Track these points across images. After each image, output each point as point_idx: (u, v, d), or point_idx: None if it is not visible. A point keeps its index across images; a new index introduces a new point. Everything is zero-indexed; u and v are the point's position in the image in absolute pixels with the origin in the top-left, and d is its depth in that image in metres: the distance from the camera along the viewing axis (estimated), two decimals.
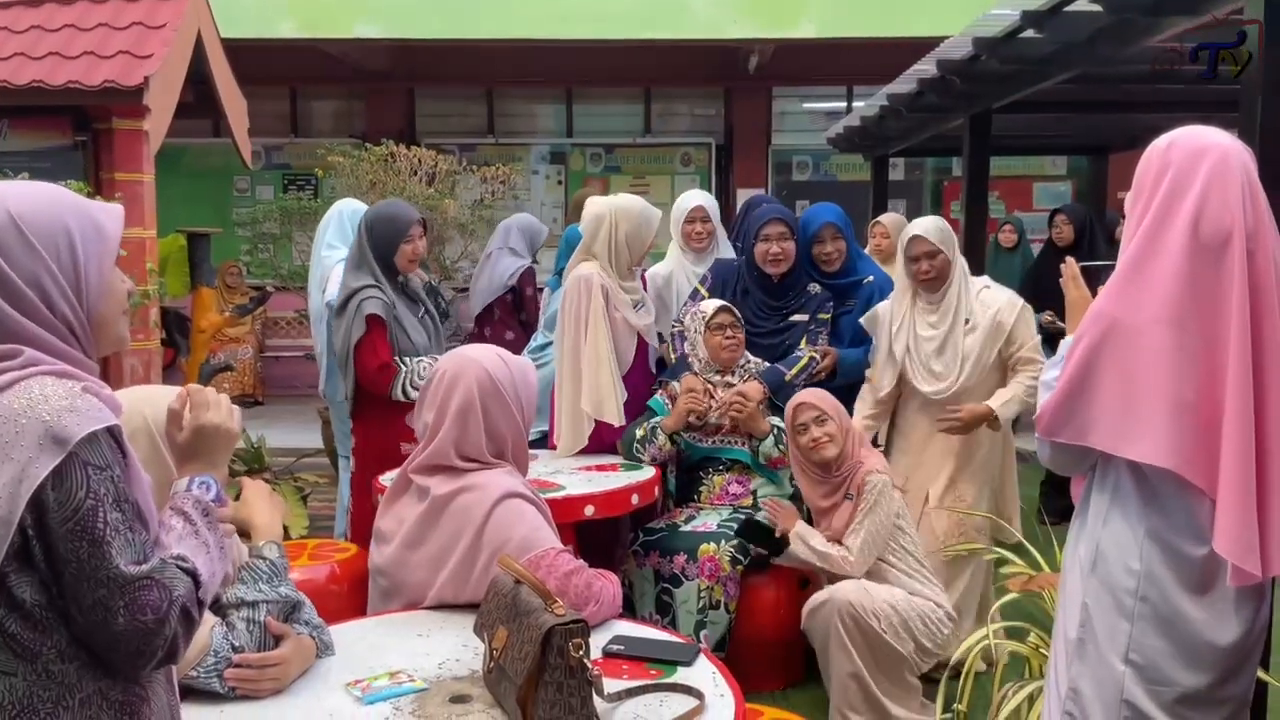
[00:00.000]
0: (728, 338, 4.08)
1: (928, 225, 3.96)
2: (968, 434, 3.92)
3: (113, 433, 1.44)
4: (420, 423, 2.61)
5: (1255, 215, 1.93)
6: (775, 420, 4.03)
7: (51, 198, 1.50)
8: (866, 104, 7.16)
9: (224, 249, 10.15)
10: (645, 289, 4.50)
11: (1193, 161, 1.94)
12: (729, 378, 4.14)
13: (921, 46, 5.84)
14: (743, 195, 11.21)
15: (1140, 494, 1.99)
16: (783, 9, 9.31)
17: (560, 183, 11.67)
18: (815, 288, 4.41)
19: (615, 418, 4.10)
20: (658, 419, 4.08)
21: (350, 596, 3.46)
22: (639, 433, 4.06)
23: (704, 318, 4.14)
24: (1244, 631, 2.01)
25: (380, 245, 4.13)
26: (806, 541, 3.59)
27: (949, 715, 3.22)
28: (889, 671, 3.49)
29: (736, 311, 4.16)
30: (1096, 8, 3.69)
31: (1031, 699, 3.00)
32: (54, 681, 1.42)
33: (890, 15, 9.19)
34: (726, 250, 4.90)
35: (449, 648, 2.26)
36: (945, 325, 3.97)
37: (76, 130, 6.09)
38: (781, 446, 3.98)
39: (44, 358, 1.44)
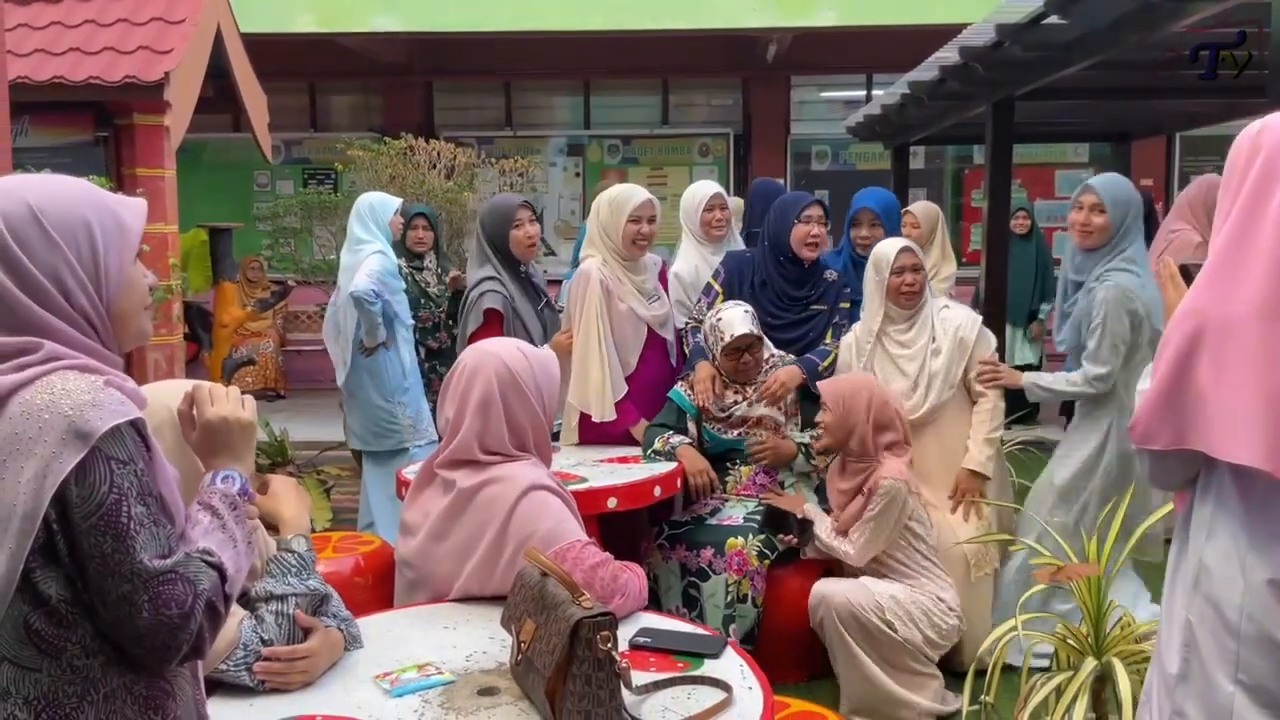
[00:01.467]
0: (743, 362, 4.02)
1: (909, 242, 4.07)
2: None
3: (136, 426, 1.44)
4: (442, 418, 2.62)
5: None
6: (801, 437, 4.02)
7: (73, 191, 1.50)
8: (887, 92, 7.12)
9: (245, 244, 10.21)
10: (666, 283, 4.48)
11: None
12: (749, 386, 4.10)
13: (941, 34, 5.80)
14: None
15: (1245, 503, 1.86)
16: None
17: (578, 175, 11.66)
18: (831, 274, 4.37)
19: (598, 413, 4.08)
20: (678, 441, 4.03)
21: (375, 589, 3.48)
22: (657, 444, 4.02)
23: (722, 341, 4.00)
24: None
25: (494, 237, 4.29)
26: (818, 534, 3.68)
27: (976, 707, 3.21)
28: (897, 661, 3.55)
29: (757, 331, 4.01)
30: None
31: (1059, 690, 3.00)
32: (79, 676, 1.42)
33: (909, 3, 9.14)
34: (738, 240, 4.89)
35: (475, 640, 2.27)
36: (919, 344, 4.00)
37: (97, 126, 6.14)
38: (813, 460, 3.99)
39: (66, 351, 1.44)
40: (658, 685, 2.03)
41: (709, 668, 2.15)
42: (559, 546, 2.38)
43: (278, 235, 9.02)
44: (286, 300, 9.08)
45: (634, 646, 2.22)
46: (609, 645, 1.86)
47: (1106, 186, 3.89)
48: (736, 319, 4.00)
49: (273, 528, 2.14)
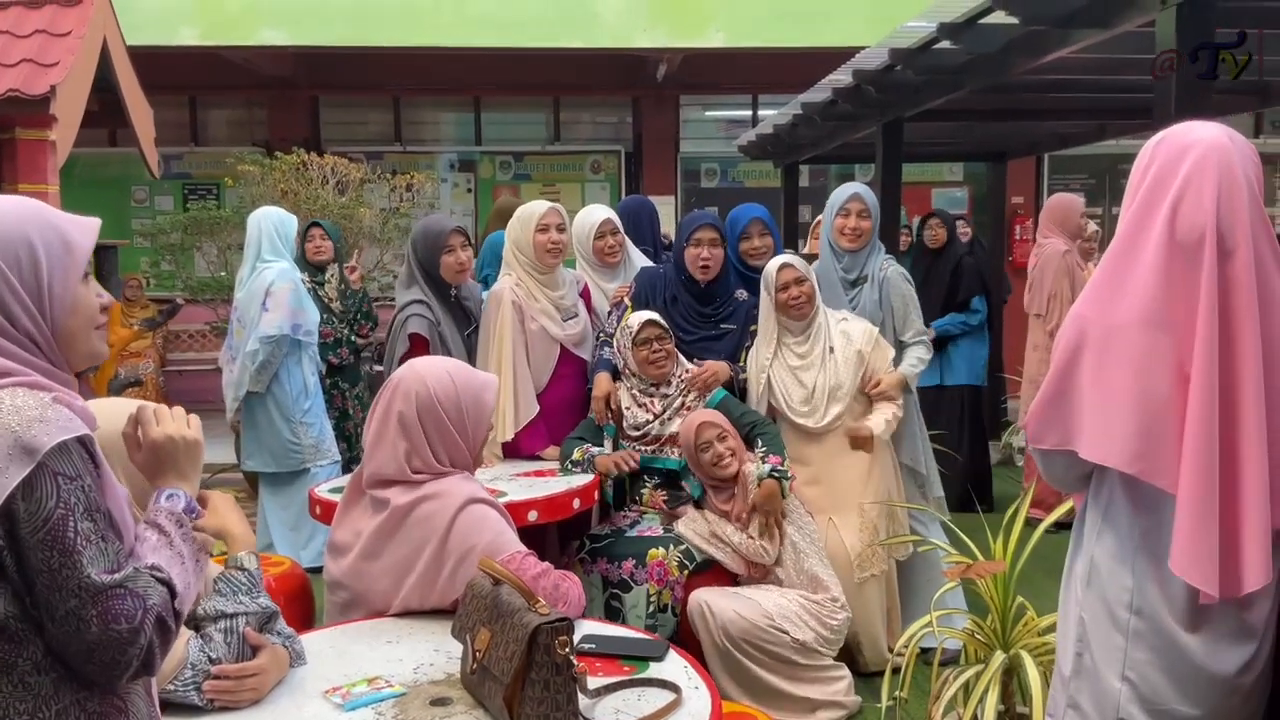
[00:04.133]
0: (654, 351, 4.08)
1: (790, 257, 4.21)
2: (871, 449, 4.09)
3: (84, 443, 1.45)
4: (370, 435, 2.62)
5: (1233, 213, 1.82)
6: (763, 469, 3.93)
7: (17, 211, 1.49)
8: (779, 112, 7.32)
9: (123, 262, 9.90)
10: (589, 300, 4.52)
11: (1175, 157, 1.87)
12: (664, 389, 4.16)
13: (827, 56, 6.02)
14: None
15: (1133, 506, 1.91)
16: (692, 18, 9.46)
17: (470, 190, 11.64)
18: (742, 293, 4.43)
19: (500, 432, 4.10)
20: (596, 451, 4.07)
21: (289, 609, 3.41)
22: (575, 454, 4.05)
23: (630, 333, 4.12)
24: (1243, 664, 1.87)
25: (424, 260, 4.24)
26: (725, 535, 3.79)
27: (891, 703, 3.34)
28: (798, 663, 3.69)
29: (663, 322, 4.14)
30: (1011, 20, 3.86)
31: (968, 686, 3.14)
32: (30, 693, 1.42)
33: (798, 25, 9.39)
34: (638, 259, 4.86)
35: (421, 653, 2.29)
36: (815, 353, 4.15)
37: None
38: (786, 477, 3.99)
39: (15, 368, 1.45)
40: (609, 688, 2.09)
41: (654, 670, 2.21)
42: (501, 559, 2.41)
43: (160, 252, 8.78)
44: (175, 318, 8.85)
45: (579, 653, 2.26)
46: (566, 650, 1.91)
47: (868, 195, 4.39)
48: (641, 314, 4.15)
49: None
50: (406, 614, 2.49)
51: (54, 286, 1.48)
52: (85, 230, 1.55)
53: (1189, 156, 1.85)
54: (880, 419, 4.12)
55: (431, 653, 2.29)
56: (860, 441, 4.06)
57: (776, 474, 3.80)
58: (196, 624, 2.03)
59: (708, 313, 4.41)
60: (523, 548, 2.50)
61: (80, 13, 6.04)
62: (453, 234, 4.25)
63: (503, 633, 1.97)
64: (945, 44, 4.42)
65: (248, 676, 2.02)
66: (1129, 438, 1.83)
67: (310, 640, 2.31)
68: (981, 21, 4.09)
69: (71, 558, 1.39)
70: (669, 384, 4.15)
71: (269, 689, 2.06)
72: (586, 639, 2.34)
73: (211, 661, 1.99)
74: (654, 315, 4.14)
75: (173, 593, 1.49)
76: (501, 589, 2.05)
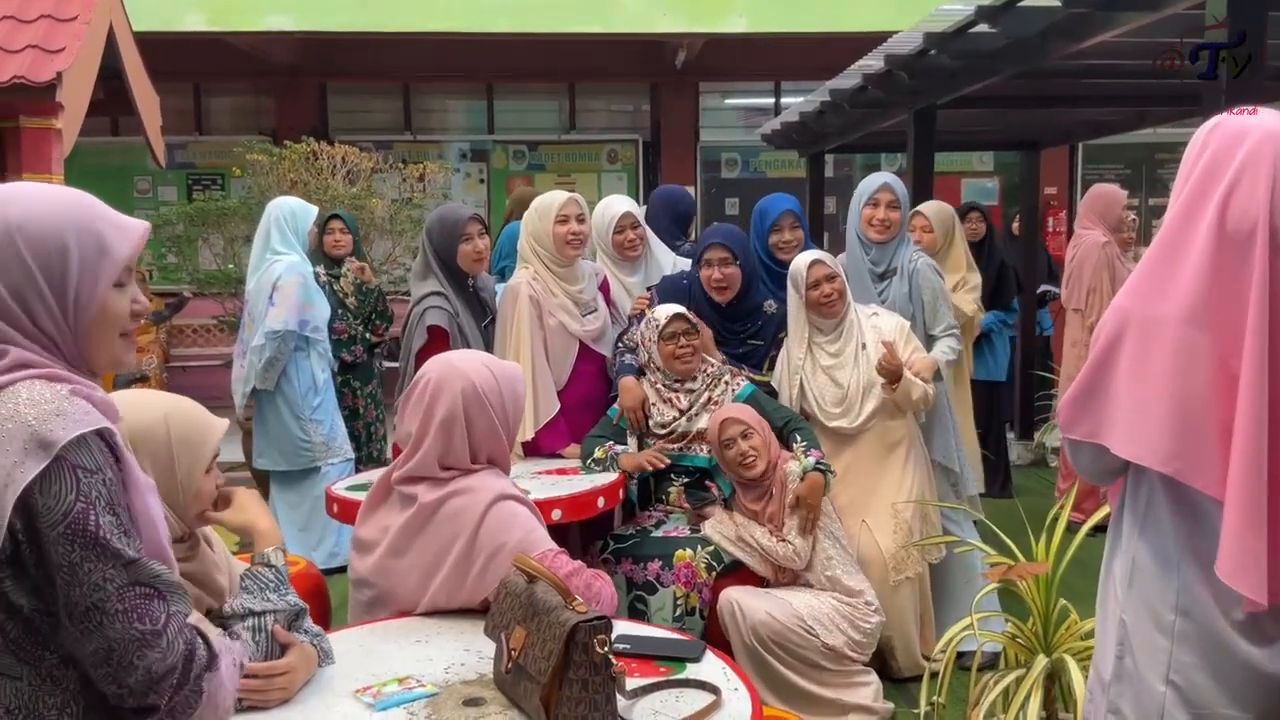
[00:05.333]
0: (681, 346, 4.06)
1: (820, 253, 4.20)
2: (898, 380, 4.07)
3: (103, 435, 1.46)
4: (403, 431, 2.64)
5: None
6: (807, 461, 3.93)
7: (60, 208, 1.50)
8: (806, 99, 7.32)
9: None
10: (609, 294, 4.51)
11: (1229, 145, 1.84)
12: (689, 383, 4.17)
13: (853, 42, 6.02)
14: None
15: (1174, 503, 1.90)
16: (713, 3, 9.46)
17: (482, 181, 11.66)
18: (771, 305, 4.38)
19: (521, 431, 4.06)
20: (620, 449, 4.08)
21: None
22: (598, 453, 4.05)
23: (657, 326, 4.09)
24: None
25: (441, 249, 4.25)
26: (754, 537, 3.78)
27: (929, 709, 3.35)
28: (827, 667, 3.70)
29: (691, 316, 4.11)
30: (1053, 2, 3.85)
31: (1007, 692, 3.15)
32: (58, 687, 1.45)
33: (822, 10, 9.39)
34: (661, 253, 4.84)
35: (451, 652, 2.31)
36: (848, 351, 4.15)
37: None
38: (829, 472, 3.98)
39: (34, 359, 1.46)
40: (647, 689, 2.11)
41: (692, 671, 2.23)
42: (533, 556, 2.42)
43: (163, 245, 8.82)
44: (180, 313, 8.89)
45: (615, 653, 2.28)
46: (605, 649, 1.92)
47: (898, 185, 4.38)
48: (670, 306, 4.13)
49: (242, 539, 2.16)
50: (434, 613, 2.51)
51: (81, 290, 1.49)
52: (127, 235, 1.54)
53: (1244, 144, 1.82)
54: (929, 357, 4.18)
55: (462, 652, 2.30)
56: (889, 368, 4.00)
57: (821, 467, 3.81)
58: (224, 622, 2.05)
59: (735, 329, 4.38)
60: (554, 545, 2.52)
61: None
62: (470, 221, 4.27)
63: (539, 631, 1.98)
64: (982, 28, 4.41)
65: (277, 675, 2.04)
66: (1166, 436, 1.82)
67: (337, 639, 2.33)
68: (1021, 4, 4.08)
69: (93, 551, 1.41)
70: (694, 379, 4.15)
71: (298, 688, 2.08)
72: (621, 639, 2.35)
73: None
74: (681, 309, 4.13)
75: (210, 658, 1.52)
76: (537, 586, 2.07)
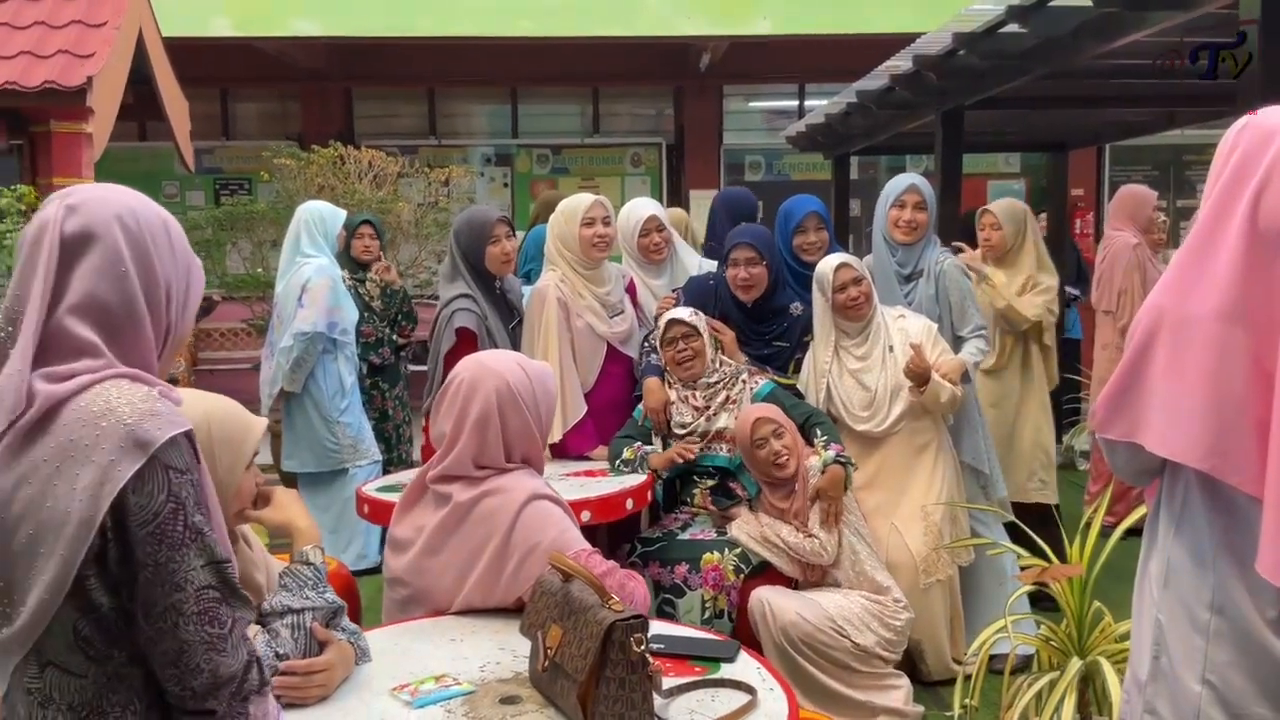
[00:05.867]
0: (680, 351, 4.08)
1: (846, 256, 4.18)
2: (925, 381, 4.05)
3: (189, 437, 1.50)
4: (437, 431, 2.65)
5: None
6: (828, 455, 3.93)
7: (179, 226, 1.64)
8: (832, 101, 7.31)
9: None
10: (635, 295, 4.53)
11: (1260, 144, 1.83)
12: (708, 381, 4.14)
13: (877, 44, 6.01)
14: (696, 196, 11.39)
15: (1210, 502, 1.90)
16: (738, 5, 9.47)
17: (506, 185, 11.70)
18: (797, 307, 4.38)
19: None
20: (649, 449, 4.09)
21: None
22: (626, 454, 4.06)
23: (659, 333, 4.14)
24: None
25: (469, 252, 4.27)
26: (780, 536, 3.78)
27: (961, 712, 3.34)
28: (857, 669, 3.70)
29: (690, 319, 4.10)
30: (1084, 2, 3.84)
31: (1041, 695, 3.14)
32: (123, 684, 1.48)
33: (846, 11, 9.39)
34: (686, 255, 4.88)
35: (486, 651, 2.32)
36: (875, 354, 4.15)
37: (11, 134, 6.01)
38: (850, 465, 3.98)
39: (114, 361, 1.49)
40: (682, 689, 2.11)
41: (726, 671, 2.23)
42: (567, 555, 2.43)
43: (193, 248, 8.89)
44: (210, 316, 8.96)
45: (649, 652, 2.29)
46: (642, 647, 1.93)
47: (925, 187, 4.37)
48: (673, 311, 4.15)
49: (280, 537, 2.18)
50: (468, 612, 2.53)
51: (192, 299, 1.61)
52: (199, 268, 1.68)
53: (1274, 143, 1.82)
54: (957, 359, 4.16)
55: (497, 651, 2.32)
56: (917, 370, 3.99)
57: (841, 460, 3.81)
58: (263, 619, 2.07)
59: (760, 330, 4.39)
60: (587, 545, 2.53)
61: (116, 3, 6.14)
62: (498, 224, 4.29)
63: (575, 630, 1.99)
64: (1012, 27, 4.40)
65: (315, 672, 2.05)
66: (1202, 433, 1.82)
67: (372, 638, 2.35)
68: (1052, 4, 4.07)
69: (179, 551, 1.44)
70: (713, 376, 4.15)
71: (336, 685, 2.10)
72: (655, 639, 2.35)
73: (279, 657, 2.03)
74: (682, 313, 4.13)
75: (262, 682, 1.56)
76: (573, 585, 2.08)
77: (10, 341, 1.46)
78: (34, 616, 1.42)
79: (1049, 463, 4.99)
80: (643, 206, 4.68)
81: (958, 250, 4.94)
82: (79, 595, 1.43)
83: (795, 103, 11.86)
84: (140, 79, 6.54)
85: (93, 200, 1.52)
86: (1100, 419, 2.00)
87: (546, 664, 2.04)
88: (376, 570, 5.62)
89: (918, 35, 5.37)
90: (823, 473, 3.79)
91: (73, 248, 1.48)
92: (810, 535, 3.77)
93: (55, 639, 1.44)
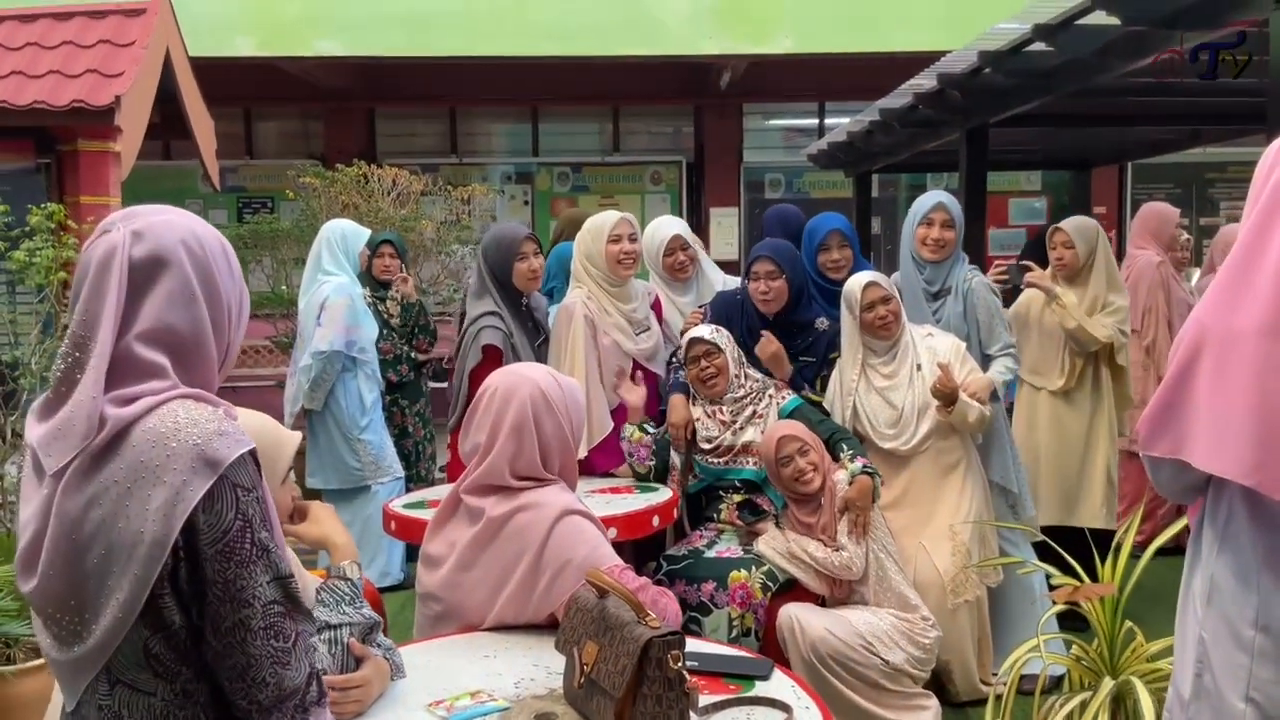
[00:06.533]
0: (703, 370, 4.09)
1: (874, 275, 4.18)
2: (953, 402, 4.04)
3: (254, 455, 1.53)
4: (470, 443, 2.67)
5: None
6: (854, 467, 3.95)
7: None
8: (854, 119, 7.32)
9: None
10: (660, 313, 4.55)
11: None
12: (732, 396, 4.14)
13: (898, 63, 6.01)
14: (715, 214, 11.43)
15: (1255, 519, 1.89)
16: (760, 24, 9.49)
17: (527, 203, 11.75)
18: (823, 322, 4.40)
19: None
20: (656, 432, 4.16)
21: None
22: (634, 435, 4.12)
23: (682, 352, 4.16)
24: None
25: (496, 268, 4.31)
26: (808, 552, 3.78)
27: None
28: (887, 688, 3.69)
29: (712, 337, 4.11)
30: (1112, 20, 3.85)
31: (1071, 716, 3.12)
32: (190, 701, 1.50)
33: (869, 30, 9.41)
34: (712, 271, 4.90)
35: (521, 667, 2.33)
36: (902, 373, 4.15)
37: (39, 152, 6.06)
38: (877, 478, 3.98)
39: (179, 382, 1.52)
40: (718, 706, 2.11)
41: (760, 689, 2.23)
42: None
43: None
44: None
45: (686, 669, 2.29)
46: (679, 664, 1.93)
47: (953, 204, 4.39)
48: (696, 329, 4.18)
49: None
50: (501, 628, 2.53)
51: (244, 319, 1.65)
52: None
53: None
54: (986, 377, 4.16)
55: (530, 667, 2.32)
56: (944, 390, 3.99)
57: (868, 470, 3.82)
58: None
59: (786, 345, 4.37)
60: (620, 561, 2.54)
61: (144, 22, 6.19)
62: (526, 241, 4.33)
63: (612, 646, 2.00)
64: (1038, 46, 4.41)
65: (352, 688, 2.06)
66: (1249, 448, 1.82)
67: (406, 653, 2.36)
68: (1079, 22, 4.08)
69: (247, 568, 1.47)
70: (737, 392, 4.15)
71: (372, 700, 2.11)
72: (688, 656, 2.36)
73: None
74: (704, 331, 4.14)
75: (320, 694, 1.59)
76: (608, 601, 2.09)
77: (78, 367, 1.48)
78: (107, 635, 1.45)
79: (1114, 489, 4.96)
80: (667, 226, 4.73)
81: (1026, 269, 4.90)
82: (152, 614, 1.46)
83: (815, 121, 11.89)
84: (166, 97, 6.59)
85: (158, 225, 1.54)
86: (1144, 436, 1.99)
87: (582, 680, 2.05)
88: (398, 588, 5.65)
89: (937, 54, 5.39)
90: (850, 484, 3.80)
91: (142, 274, 1.50)
92: (839, 548, 3.77)
93: (125, 657, 1.47)
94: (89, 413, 1.44)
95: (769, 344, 4.24)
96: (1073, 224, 4.97)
